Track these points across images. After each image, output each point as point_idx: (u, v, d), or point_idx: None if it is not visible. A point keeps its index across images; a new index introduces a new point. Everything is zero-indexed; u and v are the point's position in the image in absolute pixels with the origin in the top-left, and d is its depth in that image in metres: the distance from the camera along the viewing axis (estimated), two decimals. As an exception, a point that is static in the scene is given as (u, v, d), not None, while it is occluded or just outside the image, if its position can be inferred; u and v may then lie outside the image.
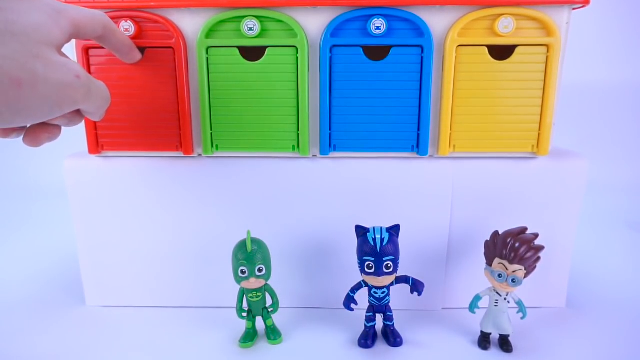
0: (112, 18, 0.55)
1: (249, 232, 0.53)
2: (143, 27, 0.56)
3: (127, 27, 0.55)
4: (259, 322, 0.58)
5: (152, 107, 0.58)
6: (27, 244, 0.92)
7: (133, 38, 0.56)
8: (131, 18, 0.55)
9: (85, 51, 0.57)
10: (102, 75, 0.57)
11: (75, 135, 0.64)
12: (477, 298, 0.56)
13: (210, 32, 0.56)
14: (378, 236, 0.53)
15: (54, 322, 0.62)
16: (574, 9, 0.56)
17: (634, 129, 1.21)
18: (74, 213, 0.63)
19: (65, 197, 0.62)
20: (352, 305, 0.56)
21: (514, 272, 0.52)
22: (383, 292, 0.55)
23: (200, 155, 0.61)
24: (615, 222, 0.99)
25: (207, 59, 0.56)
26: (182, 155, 0.60)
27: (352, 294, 0.56)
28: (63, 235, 0.94)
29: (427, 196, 0.60)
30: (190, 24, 0.56)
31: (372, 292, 0.55)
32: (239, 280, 0.54)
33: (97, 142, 0.60)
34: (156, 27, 0.56)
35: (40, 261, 0.82)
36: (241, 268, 0.53)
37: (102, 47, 0.52)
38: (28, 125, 0.42)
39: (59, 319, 0.63)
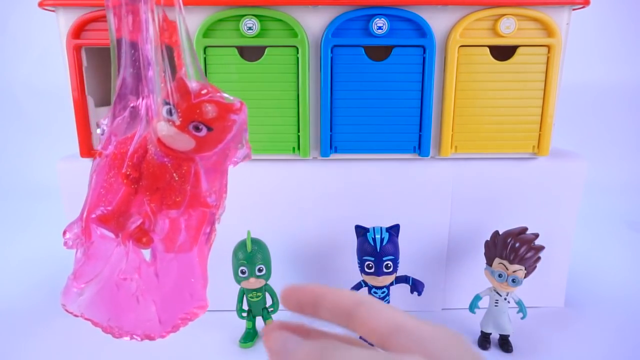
0: (104, 17, 0.53)
1: (249, 232, 0.53)
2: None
3: (121, 26, 0.54)
4: (259, 322, 0.57)
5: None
6: (22, 246, 0.90)
7: (127, 37, 0.54)
8: (125, 16, 0.53)
9: (77, 50, 0.55)
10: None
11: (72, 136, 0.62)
12: (477, 298, 0.57)
13: (208, 32, 0.54)
14: (378, 236, 0.52)
15: (48, 327, 0.61)
16: (574, 9, 0.56)
17: (633, 129, 1.22)
18: (67, 215, 0.61)
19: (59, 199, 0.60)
20: (353, 306, 0.56)
21: (514, 272, 0.53)
22: (383, 292, 0.55)
23: (198, 157, 0.60)
24: (614, 222, 1.00)
25: (205, 58, 0.55)
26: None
27: (352, 295, 0.56)
28: (58, 238, 0.91)
29: (427, 197, 0.60)
30: (187, 22, 0.54)
31: (372, 292, 0.55)
32: (239, 280, 0.54)
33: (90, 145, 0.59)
34: (151, 26, 0.54)
35: (35, 264, 0.80)
36: (241, 268, 0.53)
37: None
38: None
39: (53, 323, 0.62)
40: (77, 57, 0.55)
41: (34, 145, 1.31)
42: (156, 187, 0.30)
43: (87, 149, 0.59)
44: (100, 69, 0.63)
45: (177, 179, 0.30)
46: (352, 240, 0.55)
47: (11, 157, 1.32)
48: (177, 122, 0.28)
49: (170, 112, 0.28)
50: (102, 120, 0.31)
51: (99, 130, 0.32)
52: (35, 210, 1.10)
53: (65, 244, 0.31)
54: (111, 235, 0.31)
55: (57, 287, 0.70)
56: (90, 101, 0.58)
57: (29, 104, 1.32)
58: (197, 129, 0.28)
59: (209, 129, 0.29)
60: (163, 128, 0.29)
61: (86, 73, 0.57)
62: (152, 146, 0.30)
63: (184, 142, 0.29)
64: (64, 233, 0.30)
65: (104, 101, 0.64)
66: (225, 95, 0.30)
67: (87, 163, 0.58)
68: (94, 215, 0.30)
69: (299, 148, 0.58)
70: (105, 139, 0.31)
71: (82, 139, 0.58)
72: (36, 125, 1.31)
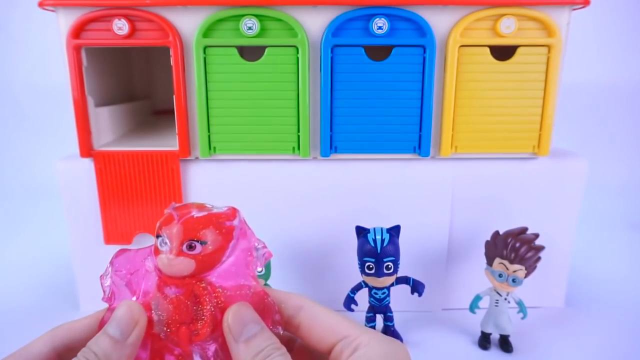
0: (105, 16, 0.54)
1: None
2: (137, 26, 0.54)
3: (120, 26, 0.54)
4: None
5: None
6: (22, 246, 0.90)
7: (126, 37, 0.54)
8: (125, 16, 0.53)
9: (77, 50, 0.55)
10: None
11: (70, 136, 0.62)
12: (478, 298, 0.57)
13: (207, 31, 0.54)
14: (378, 237, 0.52)
15: (48, 327, 0.60)
16: (574, 9, 0.56)
17: (634, 129, 1.22)
18: (67, 215, 0.61)
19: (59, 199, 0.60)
20: (353, 306, 0.56)
21: (514, 272, 0.53)
22: (383, 293, 0.55)
23: (197, 158, 0.60)
24: (615, 222, 1.00)
25: (205, 58, 0.55)
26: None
27: (352, 295, 0.56)
28: (59, 238, 0.92)
29: (428, 197, 0.60)
30: (187, 22, 0.55)
31: (372, 292, 0.55)
32: (238, 281, 0.53)
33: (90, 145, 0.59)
34: (151, 26, 0.54)
35: (35, 265, 0.80)
36: (241, 269, 0.52)
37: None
38: None
39: (53, 323, 0.61)
40: (77, 57, 0.55)
41: (34, 145, 1.31)
42: (178, 324, 0.28)
43: (87, 149, 0.58)
44: (100, 69, 0.64)
45: (193, 307, 0.28)
46: (353, 241, 0.55)
47: (11, 157, 1.32)
48: (173, 249, 0.28)
49: (162, 243, 0.28)
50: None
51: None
52: (35, 210, 1.10)
53: None
54: None
55: (56, 286, 0.71)
56: (90, 101, 0.58)
57: (29, 104, 1.32)
58: (190, 247, 0.27)
59: (202, 243, 0.28)
60: (162, 259, 0.28)
61: (86, 73, 0.57)
62: (158, 288, 0.29)
63: (182, 266, 0.28)
64: None
65: (104, 101, 0.64)
66: (216, 206, 0.29)
67: (87, 163, 0.59)
68: None
69: (299, 148, 0.58)
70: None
71: (82, 139, 0.58)
72: (36, 125, 1.31)
